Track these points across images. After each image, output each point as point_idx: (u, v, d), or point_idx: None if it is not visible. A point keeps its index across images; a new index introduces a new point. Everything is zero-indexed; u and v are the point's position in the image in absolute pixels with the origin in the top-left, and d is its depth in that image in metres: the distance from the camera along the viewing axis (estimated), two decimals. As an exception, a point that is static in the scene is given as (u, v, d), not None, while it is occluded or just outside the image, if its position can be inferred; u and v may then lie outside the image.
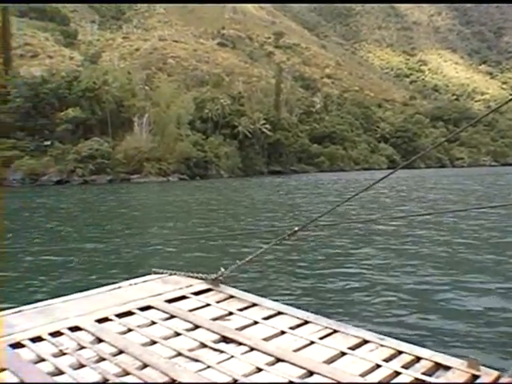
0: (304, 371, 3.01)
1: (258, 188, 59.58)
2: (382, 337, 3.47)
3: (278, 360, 3.16)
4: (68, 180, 78.10)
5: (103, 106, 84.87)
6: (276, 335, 3.55)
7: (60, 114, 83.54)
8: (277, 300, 4.28)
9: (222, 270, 4.53)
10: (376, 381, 2.91)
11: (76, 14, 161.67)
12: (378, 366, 3.07)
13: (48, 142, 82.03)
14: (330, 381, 2.89)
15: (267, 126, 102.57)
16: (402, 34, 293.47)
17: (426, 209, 29.56)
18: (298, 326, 3.72)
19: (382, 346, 3.34)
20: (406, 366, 3.07)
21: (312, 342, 3.42)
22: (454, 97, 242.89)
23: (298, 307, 4.08)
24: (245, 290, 4.46)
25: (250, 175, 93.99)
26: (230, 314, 3.95)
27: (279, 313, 3.94)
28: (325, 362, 3.13)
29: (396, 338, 3.48)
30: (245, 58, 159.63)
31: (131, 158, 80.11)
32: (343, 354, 3.24)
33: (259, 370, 3.04)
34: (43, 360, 3.15)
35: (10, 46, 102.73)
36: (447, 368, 3.06)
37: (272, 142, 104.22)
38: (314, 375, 2.97)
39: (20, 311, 3.95)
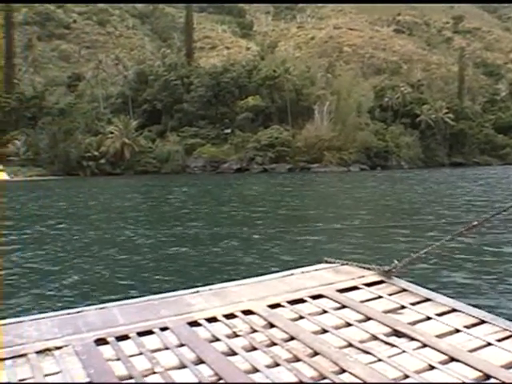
0: (479, 374, 2.84)
1: (456, 180, 56.29)
2: None
3: (452, 359, 3.01)
4: (248, 168, 78.73)
5: (282, 95, 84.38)
6: (450, 333, 3.38)
7: (240, 103, 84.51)
8: (448, 296, 4.00)
9: (396, 262, 4.35)
10: None
11: (251, 6, 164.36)
12: None
13: (228, 130, 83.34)
14: None
15: (450, 115, 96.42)
16: None
17: None
18: (474, 325, 3.49)
19: None
20: None
21: (489, 344, 3.19)
22: None
23: (473, 305, 3.82)
24: (416, 284, 4.22)
25: (431, 166, 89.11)
26: (402, 307, 3.81)
27: (453, 310, 3.74)
28: (503, 366, 2.91)
29: None
30: (422, 45, 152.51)
31: (311, 147, 78.91)
32: None
33: (431, 367, 2.92)
34: (218, 340, 3.27)
35: (192, 40, 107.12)
36: None
37: (454, 132, 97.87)
38: (491, 379, 2.80)
39: (197, 292, 4.08)
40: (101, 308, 3.75)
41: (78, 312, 3.67)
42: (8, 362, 2.94)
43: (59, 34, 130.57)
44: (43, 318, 3.57)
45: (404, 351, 3.11)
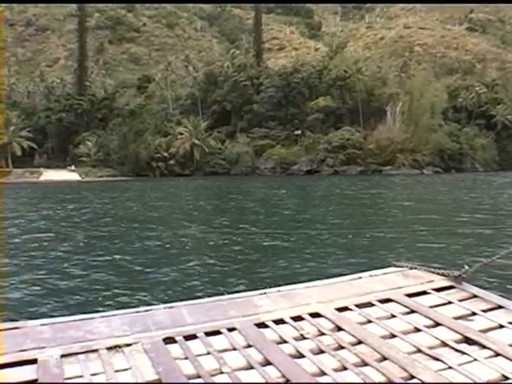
0: None
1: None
2: None
3: None
4: (318, 170, 77.72)
5: (354, 95, 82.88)
6: None
7: (310, 104, 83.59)
8: None
9: (466, 267, 4.22)
10: None
11: (319, 7, 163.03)
12: None
13: (298, 132, 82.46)
14: None
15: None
16: None
17: None
18: None
19: None
20: None
21: None
22: None
23: None
24: (487, 290, 4.11)
25: (507, 169, 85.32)
26: (473, 314, 3.70)
27: None
28: None
29: None
30: (497, 43, 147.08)
31: (383, 149, 77.29)
32: None
33: (505, 377, 2.84)
34: (285, 342, 3.28)
35: (261, 40, 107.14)
36: None
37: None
38: None
39: (265, 293, 4.08)
40: (169, 307, 3.83)
41: (147, 311, 3.75)
42: (81, 357, 3.04)
43: (129, 37, 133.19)
44: (113, 315, 3.67)
45: (475, 359, 3.02)
